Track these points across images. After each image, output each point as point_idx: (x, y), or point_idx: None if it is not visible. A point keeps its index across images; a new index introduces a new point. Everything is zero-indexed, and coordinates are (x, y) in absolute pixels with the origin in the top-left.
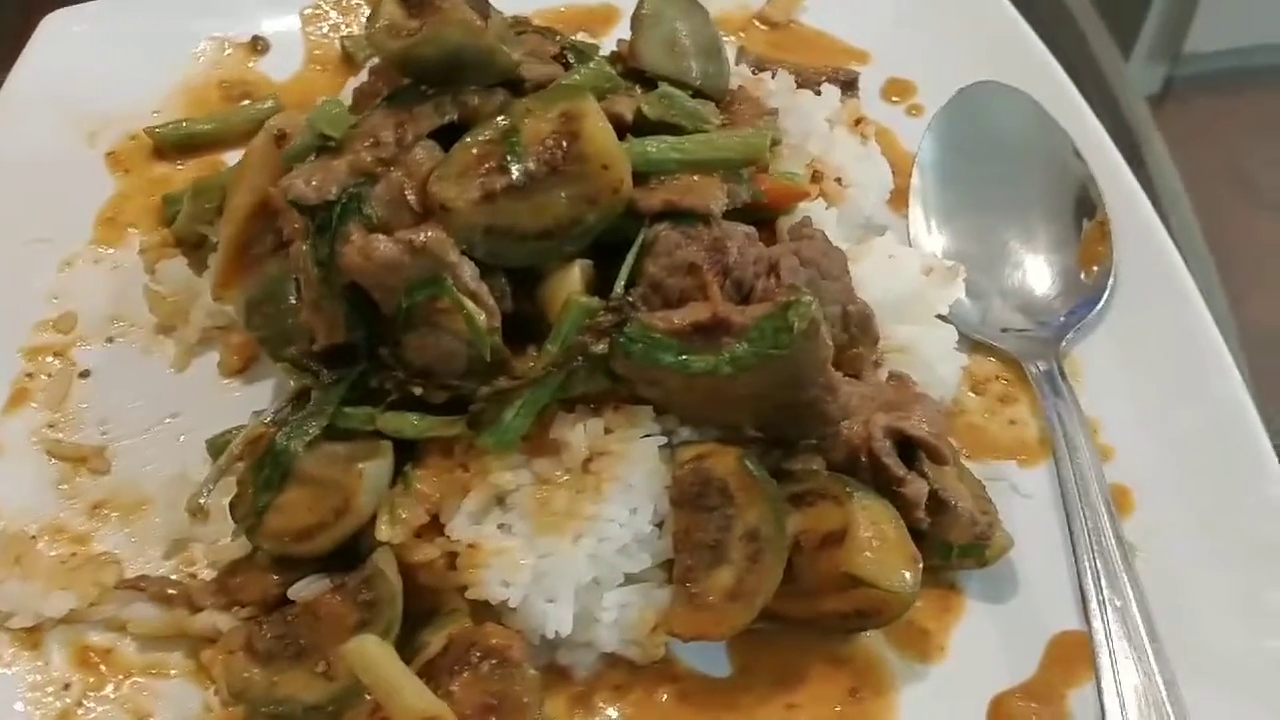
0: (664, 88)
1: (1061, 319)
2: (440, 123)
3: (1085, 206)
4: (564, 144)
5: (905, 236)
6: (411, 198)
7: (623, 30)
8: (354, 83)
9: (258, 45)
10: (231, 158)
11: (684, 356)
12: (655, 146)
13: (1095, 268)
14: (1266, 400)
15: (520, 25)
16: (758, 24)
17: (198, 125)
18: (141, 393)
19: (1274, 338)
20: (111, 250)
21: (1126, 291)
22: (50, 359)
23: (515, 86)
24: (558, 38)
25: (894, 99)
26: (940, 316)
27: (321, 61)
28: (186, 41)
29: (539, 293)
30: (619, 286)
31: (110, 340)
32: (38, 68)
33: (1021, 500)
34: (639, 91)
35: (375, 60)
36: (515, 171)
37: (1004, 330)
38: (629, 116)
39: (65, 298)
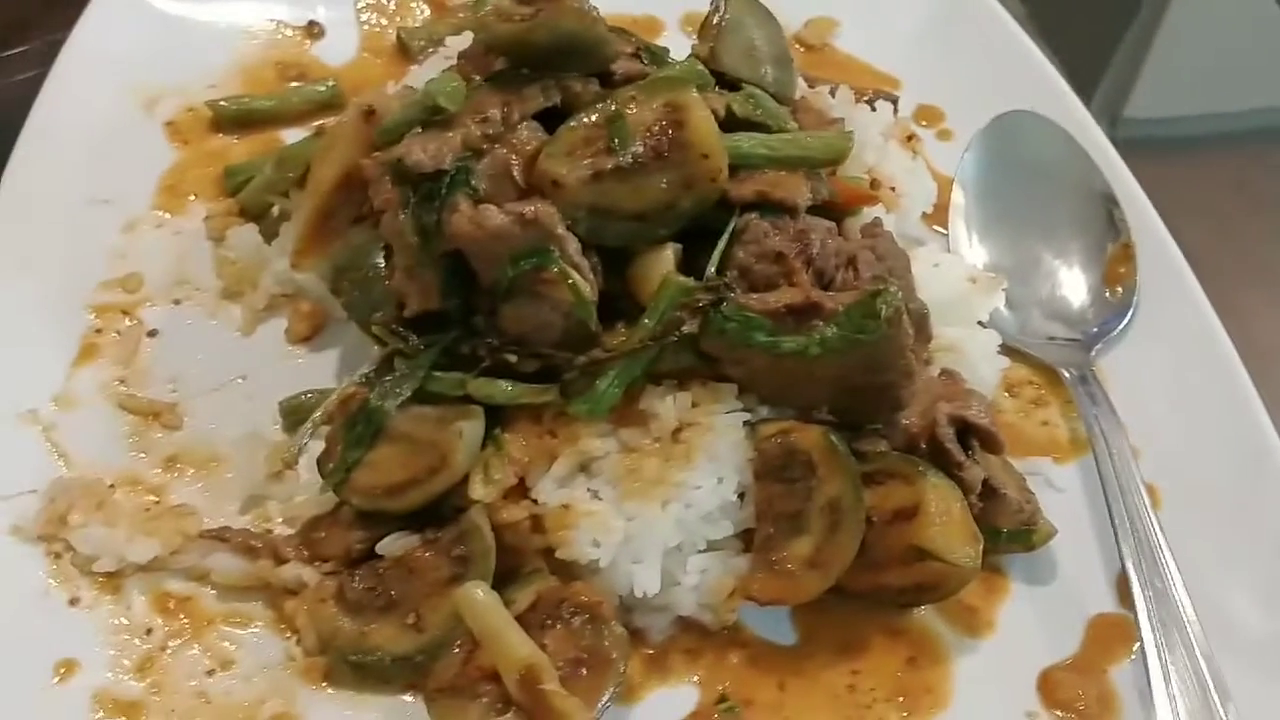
0: (749, 88)
1: (1094, 329)
2: (545, 105)
3: (1111, 230)
4: (669, 131)
5: (944, 250)
6: (517, 174)
7: (666, 42)
8: (418, 70)
9: (313, 29)
10: (288, 135)
11: (776, 336)
12: (747, 142)
13: (1120, 286)
14: None
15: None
16: (795, 45)
17: (257, 101)
18: (209, 354)
19: None
20: (172, 216)
21: (1148, 309)
22: (119, 316)
23: (605, 79)
24: (632, 37)
25: (923, 123)
26: (980, 323)
27: (375, 50)
28: (243, 21)
29: (629, 272)
30: (711, 269)
31: (177, 302)
32: (97, 33)
33: (1055, 494)
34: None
35: (444, 53)
36: (622, 154)
37: (1041, 339)
38: (721, 112)
39: (131, 258)
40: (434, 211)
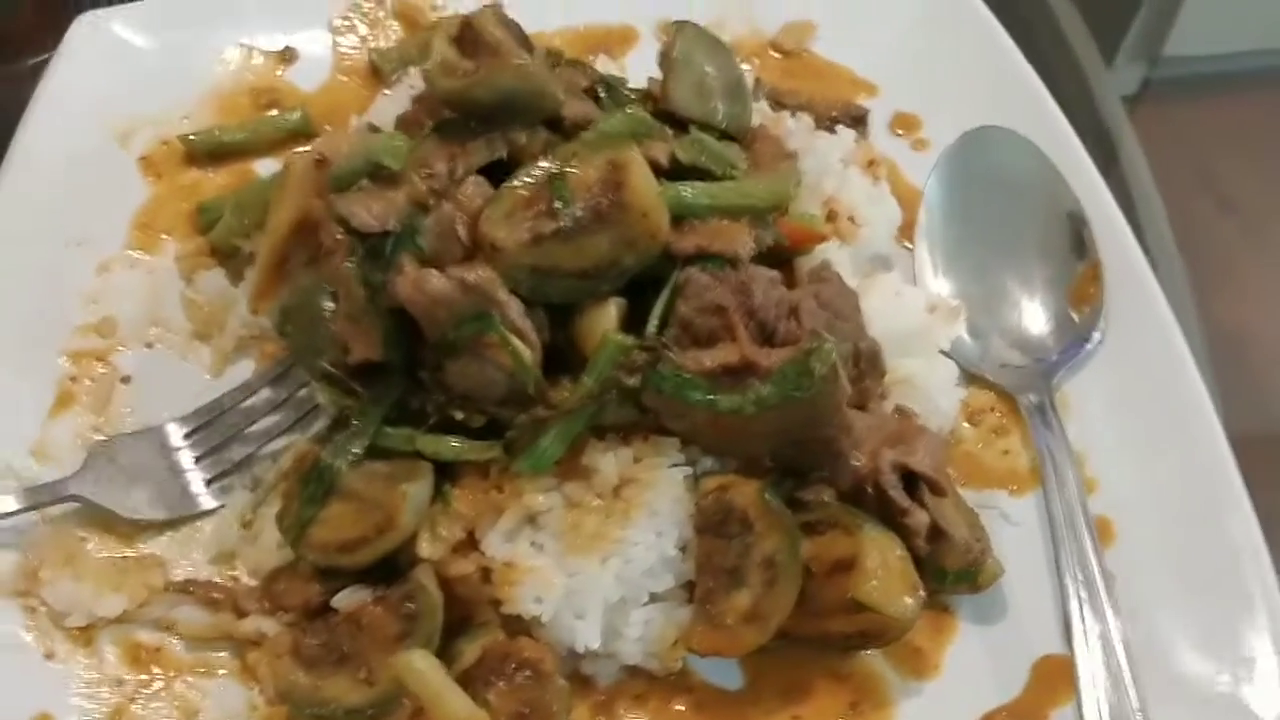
0: (695, 133)
1: (1054, 357)
2: (490, 159)
3: (1079, 249)
4: (609, 193)
5: (910, 268)
6: (462, 232)
7: (641, 50)
8: (383, 101)
9: (286, 55)
10: (261, 165)
11: (712, 396)
12: (689, 191)
13: (1087, 308)
14: (1229, 399)
15: (554, 58)
16: (771, 51)
17: (228, 134)
18: (181, 398)
19: (1234, 337)
20: (146, 255)
21: (1115, 333)
22: (93, 362)
23: (556, 123)
24: (589, 70)
25: (899, 132)
26: (942, 352)
27: (349, 72)
28: (216, 48)
29: (574, 326)
30: (652, 325)
31: (149, 346)
32: (72, 66)
33: (1011, 528)
34: (670, 133)
35: (408, 80)
36: (562, 217)
37: (1001, 366)
38: (664, 161)
39: (104, 301)
40: (379, 270)
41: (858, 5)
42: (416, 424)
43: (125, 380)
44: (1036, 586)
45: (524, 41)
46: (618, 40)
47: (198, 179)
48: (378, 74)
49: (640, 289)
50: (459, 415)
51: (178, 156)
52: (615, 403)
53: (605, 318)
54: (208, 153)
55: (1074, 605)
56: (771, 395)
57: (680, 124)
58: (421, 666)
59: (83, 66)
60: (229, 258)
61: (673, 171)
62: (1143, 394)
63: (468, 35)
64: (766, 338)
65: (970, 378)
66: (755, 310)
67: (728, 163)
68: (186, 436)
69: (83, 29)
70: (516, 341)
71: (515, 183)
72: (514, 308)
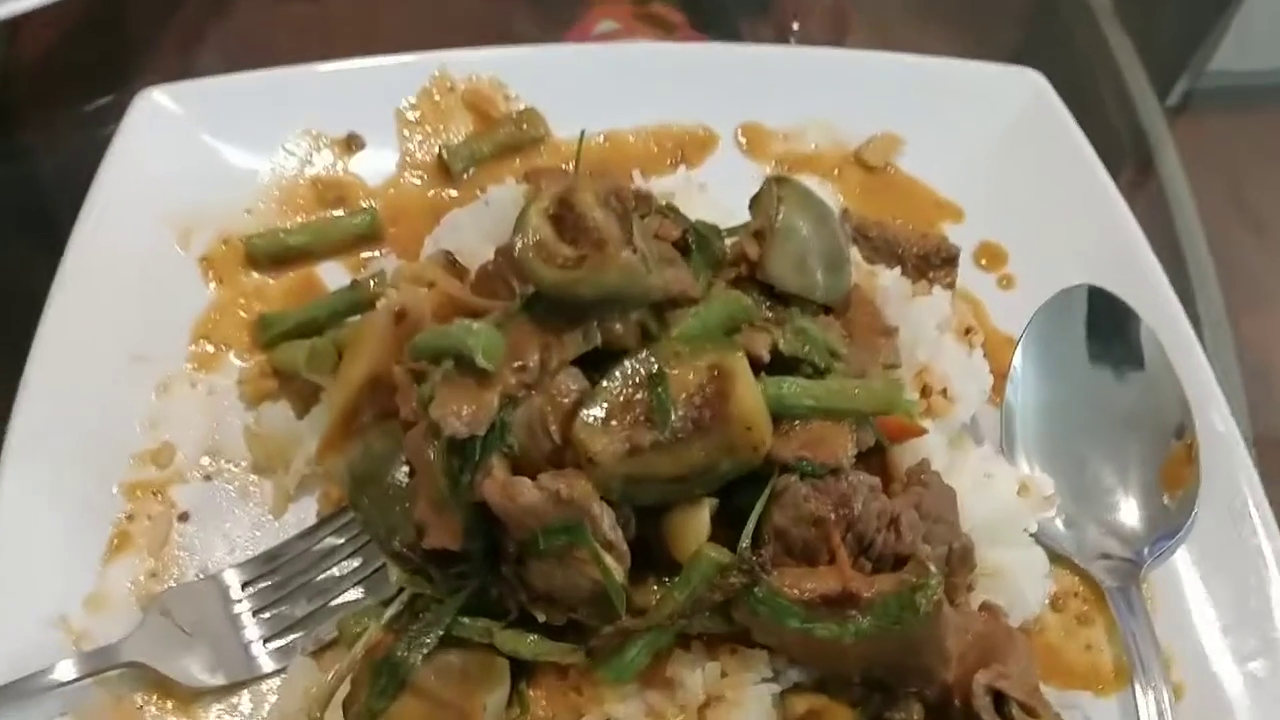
0: (796, 319)
1: (1145, 549)
2: (585, 349)
3: (1178, 429)
4: (712, 403)
5: (995, 428)
6: (553, 429)
7: (720, 157)
8: (457, 218)
9: (352, 143)
10: (325, 269)
11: (809, 624)
12: (792, 390)
13: (1180, 491)
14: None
15: (642, 204)
16: (854, 162)
17: (292, 237)
18: (242, 538)
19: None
20: (207, 374)
21: (1205, 519)
22: (150, 498)
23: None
24: (678, 217)
25: (983, 263)
26: (1030, 534)
27: (416, 166)
28: (279, 131)
29: (663, 526)
30: (746, 540)
31: (208, 479)
32: (131, 151)
33: None
34: (767, 314)
35: (483, 197)
36: (662, 427)
37: (1092, 555)
38: (765, 356)
39: (162, 425)
40: (465, 469)
41: (941, 117)
42: (494, 615)
43: (183, 518)
44: None
45: (624, 221)
46: (696, 145)
47: (259, 285)
48: (447, 171)
49: (732, 487)
50: (541, 618)
51: (239, 257)
52: (705, 614)
53: (698, 522)
54: (270, 256)
55: None
56: (871, 627)
57: (775, 294)
58: None
59: (142, 148)
60: (292, 379)
61: (772, 362)
62: (1235, 590)
63: (565, 213)
64: (864, 548)
65: (1053, 556)
66: (854, 522)
67: (831, 353)
68: (246, 585)
69: (142, 106)
70: (608, 558)
71: (612, 383)
72: (606, 520)
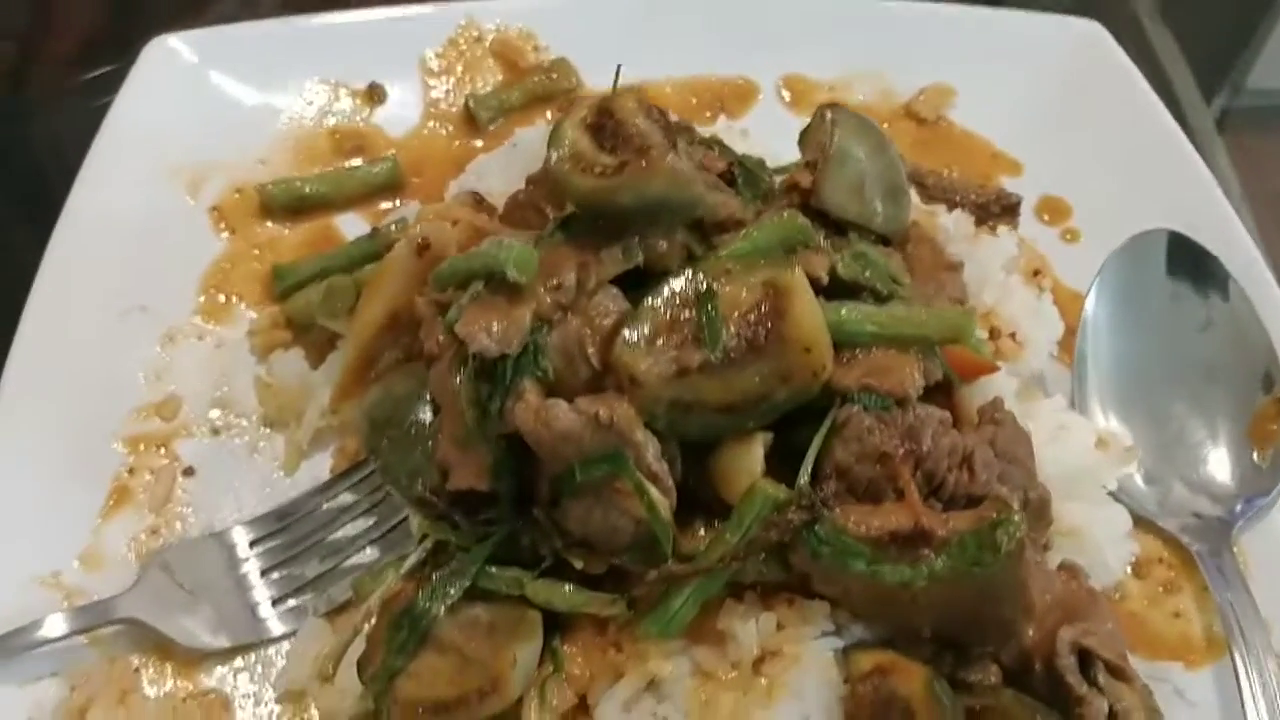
0: (856, 243)
1: (1237, 507)
2: (626, 268)
3: (1266, 382)
4: (767, 321)
5: (1068, 387)
6: (592, 353)
7: (762, 110)
8: (483, 162)
9: (374, 94)
10: (343, 221)
11: (876, 565)
12: (851, 315)
13: (1271, 449)
14: None
15: (687, 134)
16: (906, 117)
17: (308, 185)
18: (249, 496)
19: None
20: (216, 326)
21: None
22: (153, 451)
23: (695, 223)
24: (724, 149)
25: (1045, 218)
26: (1111, 493)
27: (441, 117)
28: (298, 81)
29: (711, 464)
30: (805, 475)
31: (215, 432)
32: (140, 99)
33: (1187, 707)
34: (823, 240)
35: (510, 140)
36: (712, 348)
37: (1184, 516)
38: (824, 277)
39: (167, 378)
40: (495, 394)
41: (995, 68)
42: (525, 564)
43: (188, 472)
44: None
45: (668, 132)
46: (736, 97)
47: (273, 235)
48: (473, 121)
49: (789, 423)
50: (579, 564)
51: (252, 207)
52: (759, 560)
53: (751, 459)
54: (285, 206)
55: None
56: (946, 569)
57: (831, 223)
58: None
59: (151, 97)
60: (306, 330)
61: (830, 288)
62: None
63: (605, 122)
64: (934, 489)
65: (1135, 519)
66: (923, 459)
67: (893, 280)
68: (254, 544)
69: (154, 54)
70: (652, 490)
71: (656, 301)
72: (650, 449)
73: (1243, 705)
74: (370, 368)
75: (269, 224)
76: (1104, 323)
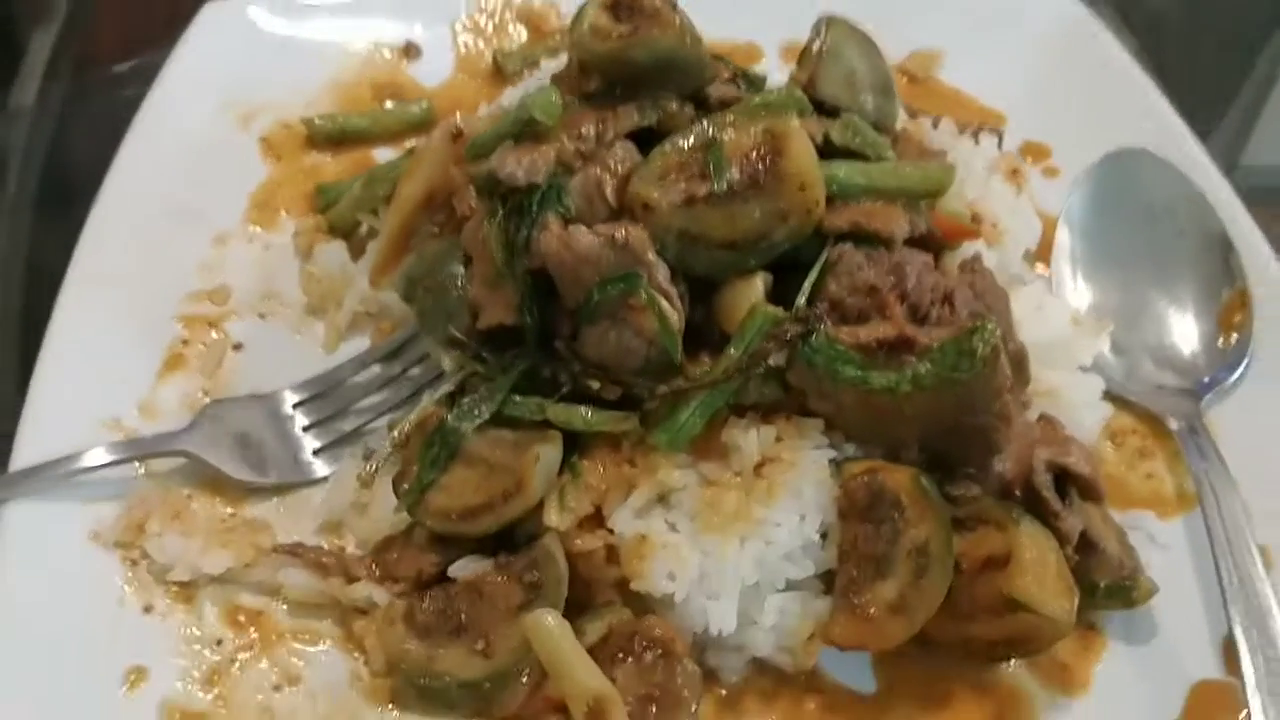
0: (848, 116)
1: (1205, 380)
2: (641, 124)
3: (1226, 276)
4: (767, 160)
5: (1047, 291)
6: (609, 194)
7: (764, 70)
8: (512, 92)
9: (410, 51)
10: (381, 154)
11: (865, 372)
12: (844, 170)
13: (1235, 335)
14: None
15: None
16: (899, 75)
17: (351, 120)
18: (292, 369)
19: None
20: (263, 231)
21: (1263, 359)
22: (205, 327)
23: (700, 103)
24: (727, 63)
25: (1029, 159)
26: (1083, 368)
27: (471, 72)
28: (341, 40)
29: (716, 301)
30: (802, 299)
31: (262, 316)
32: (195, 54)
33: (1157, 550)
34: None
35: (530, 75)
36: (717, 180)
37: (1148, 387)
38: (819, 139)
39: (218, 271)
40: (523, 227)
41: (983, 33)
42: (546, 394)
43: (237, 348)
44: (1189, 609)
45: (675, 8)
46: (742, 58)
47: (317, 163)
48: (500, 73)
49: (786, 269)
50: (594, 386)
51: (298, 140)
52: (759, 380)
53: (752, 291)
54: (329, 137)
55: (1239, 631)
56: (929, 374)
57: (827, 111)
58: (554, 626)
59: (209, 48)
60: (347, 236)
61: (824, 153)
62: None
63: (622, 2)
64: (918, 323)
65: (1110, 397)
66: (908, 293)
67: (881, 148)
68: (297, 406)
69: (207, 17)
70: (664, 303)
71: (668, 146)
72: (661, 270)
73: (1213, 546)
74: (406, 244)
75: (313, 153)
76: (1080, 224)
